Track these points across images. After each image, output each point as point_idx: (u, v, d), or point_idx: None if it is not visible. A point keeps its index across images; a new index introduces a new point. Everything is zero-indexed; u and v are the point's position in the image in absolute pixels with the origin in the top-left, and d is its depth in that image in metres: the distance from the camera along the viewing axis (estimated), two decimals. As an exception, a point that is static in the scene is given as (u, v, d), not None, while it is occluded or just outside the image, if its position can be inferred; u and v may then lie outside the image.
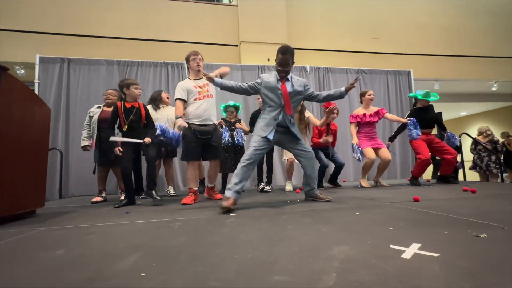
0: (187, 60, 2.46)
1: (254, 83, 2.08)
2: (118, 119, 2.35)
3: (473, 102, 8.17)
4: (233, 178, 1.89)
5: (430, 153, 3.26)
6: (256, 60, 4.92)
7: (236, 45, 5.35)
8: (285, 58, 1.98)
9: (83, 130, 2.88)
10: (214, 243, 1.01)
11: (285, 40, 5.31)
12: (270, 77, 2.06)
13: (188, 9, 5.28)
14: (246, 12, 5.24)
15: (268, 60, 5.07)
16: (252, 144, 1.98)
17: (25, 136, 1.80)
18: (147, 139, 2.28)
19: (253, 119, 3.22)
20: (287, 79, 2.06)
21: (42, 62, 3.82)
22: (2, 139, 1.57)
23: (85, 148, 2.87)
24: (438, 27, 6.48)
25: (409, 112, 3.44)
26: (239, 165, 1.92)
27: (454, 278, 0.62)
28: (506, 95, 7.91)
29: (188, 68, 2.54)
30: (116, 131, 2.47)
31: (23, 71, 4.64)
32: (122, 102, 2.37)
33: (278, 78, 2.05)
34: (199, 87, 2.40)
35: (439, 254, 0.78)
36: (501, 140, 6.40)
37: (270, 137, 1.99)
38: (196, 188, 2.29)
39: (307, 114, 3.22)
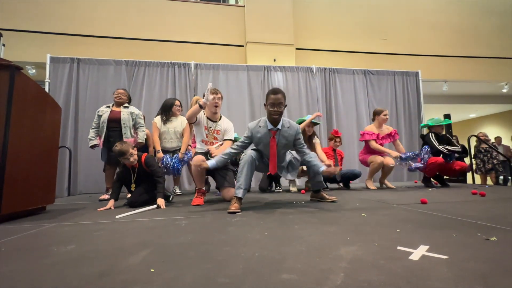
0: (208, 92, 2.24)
1: (244, 142, 1.96)
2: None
3: (482, 104, 8.03)
4: (239, 176, 1.87)
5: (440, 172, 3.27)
6: (262, 61, 4.93)
7: (242, 46, 5.37)
8: (277, 98, 1.83)
9: (91, 129, 2.89)
10: (221, 241, 1.02)
11: (292, 41, 5.31)
12: (260, 129, 1.93)
13: (195, 10, 5.32)
14: (253, 13, 5.26)
15: (275, 60, 5.08)
16: (251, 147, 1.98)
17: (36, 134, 1.85)
18: (161, 203, 2.01)
19: None
20: (278, 129, 1.91)
21: (52, 62, 3.90)
22: (15, 137, 1.62)
23: (93, 147, 2.89)
24: (447, 27, 6.38)
25: (430, 134, 3.31)
26: (242, 162, 1.90)
27: (464, 280, 0.61)
28: (517, 97, 7.74)
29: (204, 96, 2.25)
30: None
31: (34, 71, 4.76)
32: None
33: (269, 128, 1.91)
34: (209, 130, 2.29)
35: (448, 257, 0.77)
36: (510, 143, 6.31)
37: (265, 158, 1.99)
38: (204, 188, 2.30)
39: (316, 140, 3.18)
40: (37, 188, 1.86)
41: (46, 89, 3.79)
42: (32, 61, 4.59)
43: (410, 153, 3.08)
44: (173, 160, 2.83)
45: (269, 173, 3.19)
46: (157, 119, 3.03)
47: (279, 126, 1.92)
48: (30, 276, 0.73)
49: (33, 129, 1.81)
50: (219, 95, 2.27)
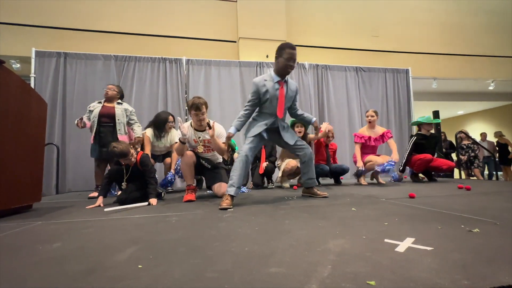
0: (189, 109, 2.17)
1: (252, 101, 1.96)
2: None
3: (470, 101, 8.23)
4: (233, 174, 1.86)
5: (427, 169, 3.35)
6: (255, 57, 4.90)
7: (235, 41, 5.32)
8: (294, 53, 1.89)
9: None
10: (211, 237, 1.01)
11: (285, 37, 5.30)
12: (266, 82, 1.94)
13: (187, 4, 5.23)
14: (245, 8, 5.21)
15: (267, 56, 5.05)
16: (246, 142, 1.97)
17: (21, 130, 1.79)
18: (153, 202, 2.00)
19: None
20: (285, 82, 1.99)
21: (38, 56, 3.77)
22: (-2, 132, 1.56)
23: (79, 123, 2.80)
24: (437, 25, 6.49)
25: (413, 138, 3.40)
26: (236, 161, 1.90)
27: (446, 270, 0.63)
28: (503, 94, 7.97)
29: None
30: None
31: (18, 65, 4.59)
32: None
33: (276, 80, 1.95)
34: (199, 142, 2.25)
35: (432, 248, 0.80)
36: (494, 139, 6.54)
37: (264, 134, 1.98)
38: (194, 184, 2.29)
39: (309, 136, 3.23)
40: (23, 186, 1.81)
41: (32, 84, 3.67)
42: (16, 55, 4.43)
43: (389, 165, 3.01)
44: (168, 179, 2.86)
45: (261, 172, 3.23)
46: (149, 133, 2.96)
47: (286, 79, 2.00)
48: (14, 275, 0.71)
49: (17, 125, 1.75)
50: (202, 110, 2.14)
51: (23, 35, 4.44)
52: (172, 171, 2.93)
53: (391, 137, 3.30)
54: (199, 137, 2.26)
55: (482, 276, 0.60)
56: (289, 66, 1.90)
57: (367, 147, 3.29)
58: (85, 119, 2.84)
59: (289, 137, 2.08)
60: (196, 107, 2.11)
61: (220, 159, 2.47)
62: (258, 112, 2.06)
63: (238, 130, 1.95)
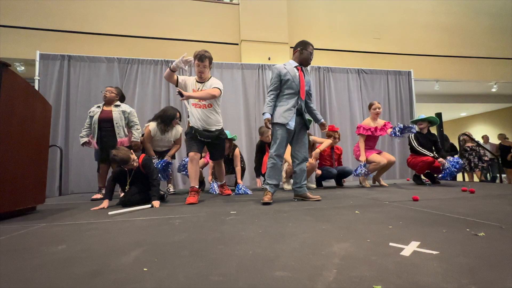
0: (194, 58, 2.30)
1: (274, 84, 2.12)
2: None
3: (473, 103, 8.19)
4: (268, 176, 2.07)
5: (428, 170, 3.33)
6: (257, 59, 4.91)
7: (237, 44, 5.35)
8: (313, 52, 2.22)
9: (83, 129, 2.84)
10: (215, 240, 1.01)
11: (286, 39, 5.32)
12: (287, 67, 2.15)
13: (189, 7, 5.27)
14: (247, 11, 5.23)
15: (269, 59, 5.07)
16: (276, 139, 2.07)
17: (26, 132, 1.81)
18: (156, 204, 2.02)
19: (260, 148, 3.35)
20: (302, 69, 2.20)
21: (42, 58, 3.81)
22: (3, 135, 1.58)
23: (84, 144, 2.80)
24: (439, 27, 6.48)
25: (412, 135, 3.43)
26: (270, 163, 2.08)
27: (452, 275, 0.63)
28: (505, 96, 7.93)
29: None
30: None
31: (23, 68, 4.64)
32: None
33: (294, 65, 2.17)
34: (196, 91, 2.31)
35: (438, 252, 0.79)
36: (498, 141, 6.49)
37: (292, 123, 2.08)
38: (197, 186, 2.30)
39: (311, 137, 3.29)
40: (27, 188, 1.82)
41: (36, 87, 3.70)
42: (21, 58, 4.47)
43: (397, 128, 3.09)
44: (160, 165, 2.86)
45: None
46: (152, 126, 2.96)
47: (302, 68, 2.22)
48: (19, 277, 0.71)
49: (22, 127, 1.76)
50: (204, 63, 2.27)
51: (28, 38, 4.49)
52: (167, 158, 2.98)
53: (390, 127, 3.34)
54: (198, 88, 2.33)
55: (490, 280, 0.59)
56: (310, 59, 2.21)
57: (371, 139, 3.31)
58: (89, 138, 2.80)
59: (304, 125, 2.23)
60: (199, 58, 2.24)
61: (217, 126, 2.41)
62: (281, 97, 2.15)
63: (271, 114, 2.11)
